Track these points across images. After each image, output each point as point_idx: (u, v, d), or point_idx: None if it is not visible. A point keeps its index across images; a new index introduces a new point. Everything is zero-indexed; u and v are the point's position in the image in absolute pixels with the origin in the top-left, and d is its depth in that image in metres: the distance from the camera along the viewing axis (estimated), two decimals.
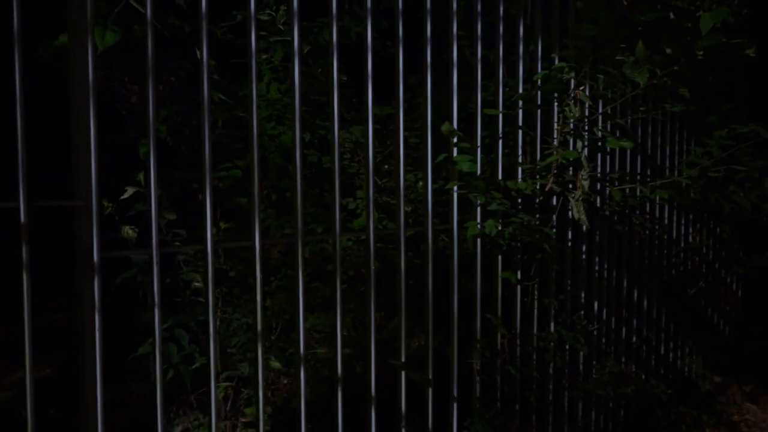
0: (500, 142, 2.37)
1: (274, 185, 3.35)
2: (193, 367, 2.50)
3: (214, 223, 2.84)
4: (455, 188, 2.26)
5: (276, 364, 2.63)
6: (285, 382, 3.02)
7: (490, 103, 2.42)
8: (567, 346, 2.63)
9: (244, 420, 2.72)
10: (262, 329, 1.82)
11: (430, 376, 2.21)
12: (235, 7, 3.23)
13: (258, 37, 1.82)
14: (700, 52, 1.70)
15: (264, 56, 3.24)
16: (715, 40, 1.66)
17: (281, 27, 2.92)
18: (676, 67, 1.78)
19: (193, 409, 2.78)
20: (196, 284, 2.54)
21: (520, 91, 2.42)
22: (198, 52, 1.72)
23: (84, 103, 1.50)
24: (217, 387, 1.75)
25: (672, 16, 1.88)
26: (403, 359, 2.14)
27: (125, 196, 2.39)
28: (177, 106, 3.18)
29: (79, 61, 1.51)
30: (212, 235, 1.70)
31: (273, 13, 2.87)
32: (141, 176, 2.32)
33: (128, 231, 2.34)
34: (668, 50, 1.76)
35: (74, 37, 1.52)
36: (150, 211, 1.60)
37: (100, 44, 1.83)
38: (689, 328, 3.58)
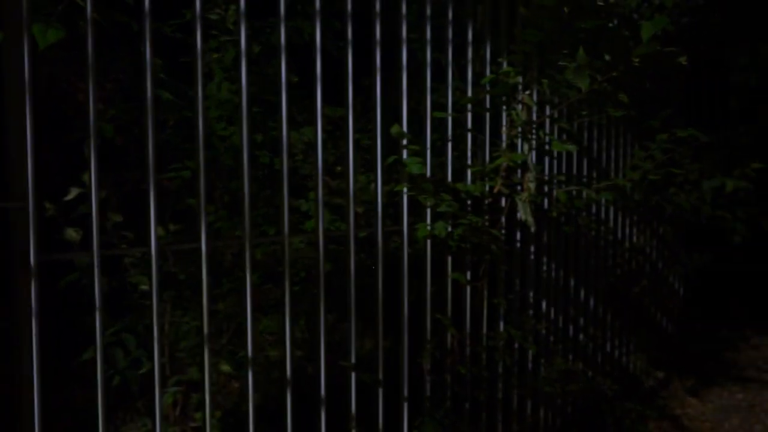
0: (450, 144, 2.40)
1: (226, 186, 3.31)
2: (141, 372, 2.45)
3: (163, 225, 2.80)
4: (405, 190, 2.28)
5: (225, 368, 2.60)
6: (236, 385, 2.99)
7: (440, 105, 2.45)
8: (516, 345, 2.69)
9: (193, 425, 2.68)
10: (209, 332, 1.80)
11: (381, 377, 2.22)
12: (185, 4, 3.18)
13: (205, 37, 1.80)
14: (637, 60, 1.77)
15: (215, 56, 3.20)
16: (651, 48, 1.73)
17: (231, 26, 2.89)
18: (615, 74, 1.85)
19: (140, 415, 2.72)
20: (144, 287, 2.49)
21: (470, 94, 2.46)
22: (143, 51, 1.70)
23: (20, 101, 1.46)
24: (162, 392, 1.72)
25: (614, 24, 1.95)
26: (353, 360, 2.14)
27: (69, 197, 2.33)
28: (125, 105, 3.11)
29: (14, 58, 1.46)
30: (157, 237, 1.68)
31: (222, 12, 2.83)
32: (86, 177, 2.27)
33: (72, 233, 2.28)
34: (607, 57, 1.82)
35: (9, 33, 1.47)
36: (92, 212, 1.56)
37: (41, 41, 1.77)
38: (634, 327, 3.70)
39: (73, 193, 2.35)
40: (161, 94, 2.62)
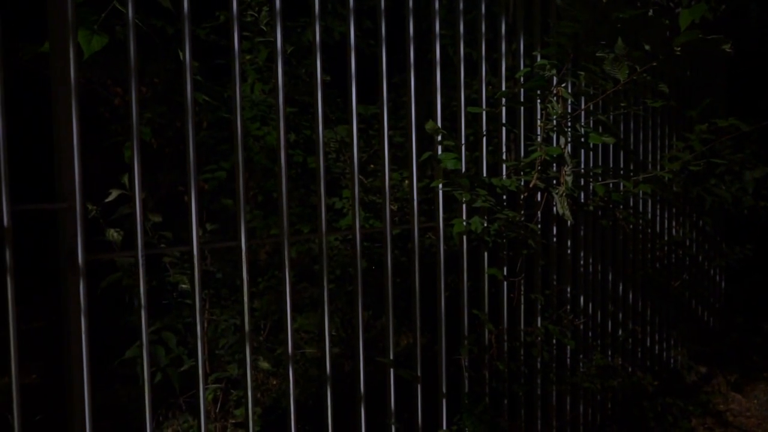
0: (484, 139, 2.39)
1: (260, 186, 3.35)
2: (182, 369, 2.50)
3: (200, 225, 2.84)
4: (440, 186, 2.27)
5: (265, 365, 2.63)
6: (274, 382, 3.02)
7: (473, 101, 2.44)
8: (554, 341, 2.66)
9: (233, 421, 2.72)
10: (250, 330, 1.82)
11: (419, 373, 2.22)
12: (217, 7, 3.22)
13: (241, 39, 1.82)
14: (678, 48, 1.72)
15: (248, 57, 3.24)
16: (692, 36, 1.68)
17: (264, 28, 2.91)
18: (654, 63, 1.81)
19: (182, 412, 2.77)
20: (183, 286, 2.53)
21: (503, 88, 2.43)
22: (181, 54, 1.72)
23: (66, 106, 1.49)
24: (205, 389, 1.75)
25: (651, 12, 1.91)
26: (391, 357, 2.15)
27: (110, 198, 2.38)
28: (160, 107, 3.17)
29: (60, 65, 1.50)
30: (198, 237, 1.70)
31: (255, 14, 2.86)
32: (125, 178, 2.31)
33: (113, 234, 2.33)
34: (647, 47, 1.78)
35: (55, 42, 1.51)
36: (135, 213, 1.59)
37: (86, 49, 1.81)
38: (674, 320, 3.62)
39: (114, 194, 2.40)
40: (197, 97, 2.66)
